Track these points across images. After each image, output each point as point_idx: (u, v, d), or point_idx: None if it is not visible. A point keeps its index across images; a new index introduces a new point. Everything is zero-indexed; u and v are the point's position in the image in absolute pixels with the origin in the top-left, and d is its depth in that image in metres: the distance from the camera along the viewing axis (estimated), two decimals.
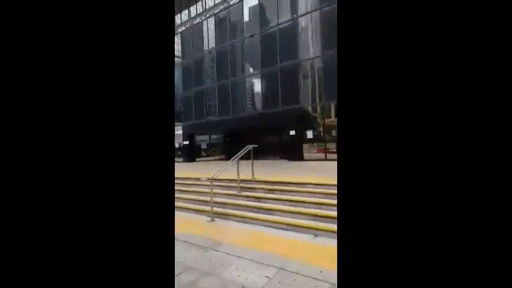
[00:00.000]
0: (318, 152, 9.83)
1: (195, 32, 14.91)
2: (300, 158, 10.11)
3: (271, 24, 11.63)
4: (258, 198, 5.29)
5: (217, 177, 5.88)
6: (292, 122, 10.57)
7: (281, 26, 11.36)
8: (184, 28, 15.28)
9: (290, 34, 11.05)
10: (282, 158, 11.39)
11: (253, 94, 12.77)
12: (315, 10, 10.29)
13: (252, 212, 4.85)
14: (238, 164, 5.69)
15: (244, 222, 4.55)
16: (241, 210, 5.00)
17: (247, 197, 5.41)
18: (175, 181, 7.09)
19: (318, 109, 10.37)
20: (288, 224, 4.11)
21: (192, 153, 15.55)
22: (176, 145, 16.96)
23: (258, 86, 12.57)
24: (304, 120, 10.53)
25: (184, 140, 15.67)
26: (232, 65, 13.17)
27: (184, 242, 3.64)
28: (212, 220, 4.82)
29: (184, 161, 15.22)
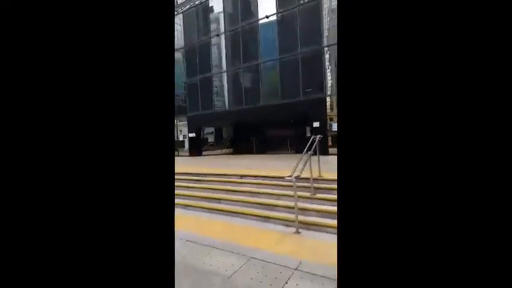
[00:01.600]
0: None
1: (199, 11, 13.70)
2: (325, 152, 9.12)
3: (290, 5, 10.46)
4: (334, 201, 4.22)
5: (270, 175, 4.95)
6: (316, 113, 9.54)
7: (301, 6, 10.20)
8: (188, 7, 14.02)
9: (312, 14, 9.91)
10: (299, 151, 10.45)
11: (269, 83, 11.67)
12: None
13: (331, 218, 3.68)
14: (309, 159, 4.30)
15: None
16: (320, 216, 3.83)
17: (323, 199, 4.20)
18: (210, 178, 6.05)
19: None
20: None
21: (198, 146, 14.55)
22: (181, 137, 15.97)
23: (274, 74, 11.46)
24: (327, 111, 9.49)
25: (189, 131, 14.63)
26: (244, 50, 12.01)
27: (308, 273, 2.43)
28: (297, 232, 3.54)
29: (190, 155, 14.23)
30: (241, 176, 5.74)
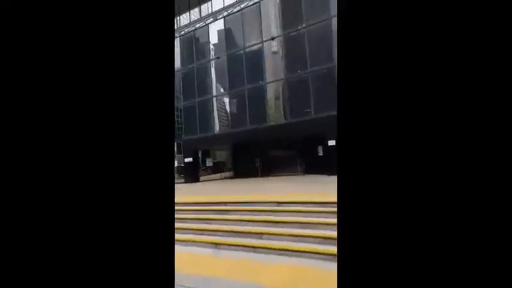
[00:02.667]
0: None
1: (198, 33, 13.47)
2: None
3: (299, 26, 10.48)
4: None
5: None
6: (330, 131, 9.06)
7: (311, 27, 10.22)
8: (190, 28, 13.77)
9: (322, 33, 9.90)
10: (315, 172, 9.84)
11: (276, 103, 11.24)
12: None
13: None
14: None
15: None
16: None
17: None
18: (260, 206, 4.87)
19: None
20: None
21: (195, 172, 13.38)
22: (176, 163, 14.73)
23: (280, 93, 11.10)
24: None
25: (185, 156, 13.52)
26: (248, 71, 11.68)
27: None
28: None
29: (185, 182, 12.97)
30: (279, 203, 4.84)
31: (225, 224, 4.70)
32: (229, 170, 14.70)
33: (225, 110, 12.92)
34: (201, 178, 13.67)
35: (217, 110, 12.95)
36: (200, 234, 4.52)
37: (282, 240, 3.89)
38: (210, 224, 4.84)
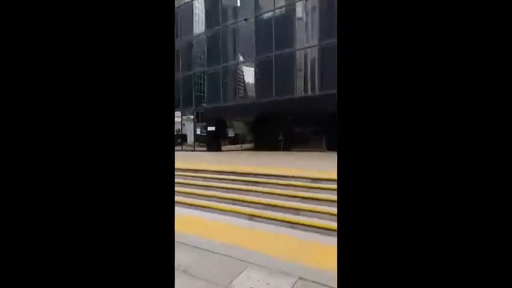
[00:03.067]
0: None
1: None
2: None
3: None
4: None
5: None
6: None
7: None
8: None
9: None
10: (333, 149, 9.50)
11: (306, 72, 10.53)
12: None
13: None
14: None
15: None
16: None
17: None
18: None
19: None
20: None
21: (217, 141, 13.43)
22: (198, 131, 14.82)
23: (311, 62, 10.32)
24: None
25: (208, 125, 13.49)
26: (277, 36, 10.82)
27: None
28: None
29: (208, 150, 13.12)
30: None
31: (260, 196, 4.64)
32: (250, 142, 14.60)
33: (249, 79, 12.36)
34: (223, 148, 13.75)
35: (240, 79, 12.43)
36: (235, 205, 4.50)
37: (321, 218, 3.77)
38: (245, 195, 4.80)
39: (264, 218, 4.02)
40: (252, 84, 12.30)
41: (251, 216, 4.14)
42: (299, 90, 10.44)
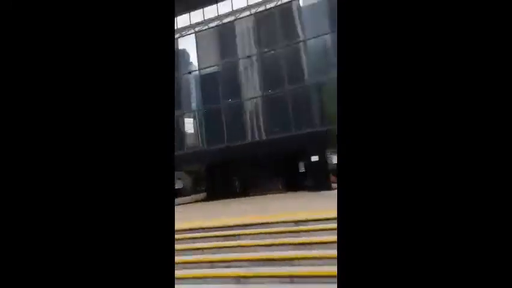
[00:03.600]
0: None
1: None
2: (328, 187, 8.68)
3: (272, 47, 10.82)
4: None
5: None
6: (313, 147, 9.25)
7: (284, 48, 10.64)
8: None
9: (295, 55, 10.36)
10: (290, 190, 9.81)
11: (255, 119, 11.11)
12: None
13: None
14: None
15: None
16: None
17: None
18: None
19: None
20: None
21: None
22: None
23: (259, 110, 11.07)
24: (328, 144, 9.25)
25: None
26: (224, 87, 11.42)
27: None
28: None
29: None
30: None
31: (241, 252, 4.16)
32: (200, 192, 13.67)
33: (199, 126, 12.23)
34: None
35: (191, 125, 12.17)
36: (217, 268, 3.88)
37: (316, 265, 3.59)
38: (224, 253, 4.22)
39: (255, 277, 3.56)
40: (192, 133, 12.15)
41: (238, 278, 3.61)
42: (249, 136, 10.82)
